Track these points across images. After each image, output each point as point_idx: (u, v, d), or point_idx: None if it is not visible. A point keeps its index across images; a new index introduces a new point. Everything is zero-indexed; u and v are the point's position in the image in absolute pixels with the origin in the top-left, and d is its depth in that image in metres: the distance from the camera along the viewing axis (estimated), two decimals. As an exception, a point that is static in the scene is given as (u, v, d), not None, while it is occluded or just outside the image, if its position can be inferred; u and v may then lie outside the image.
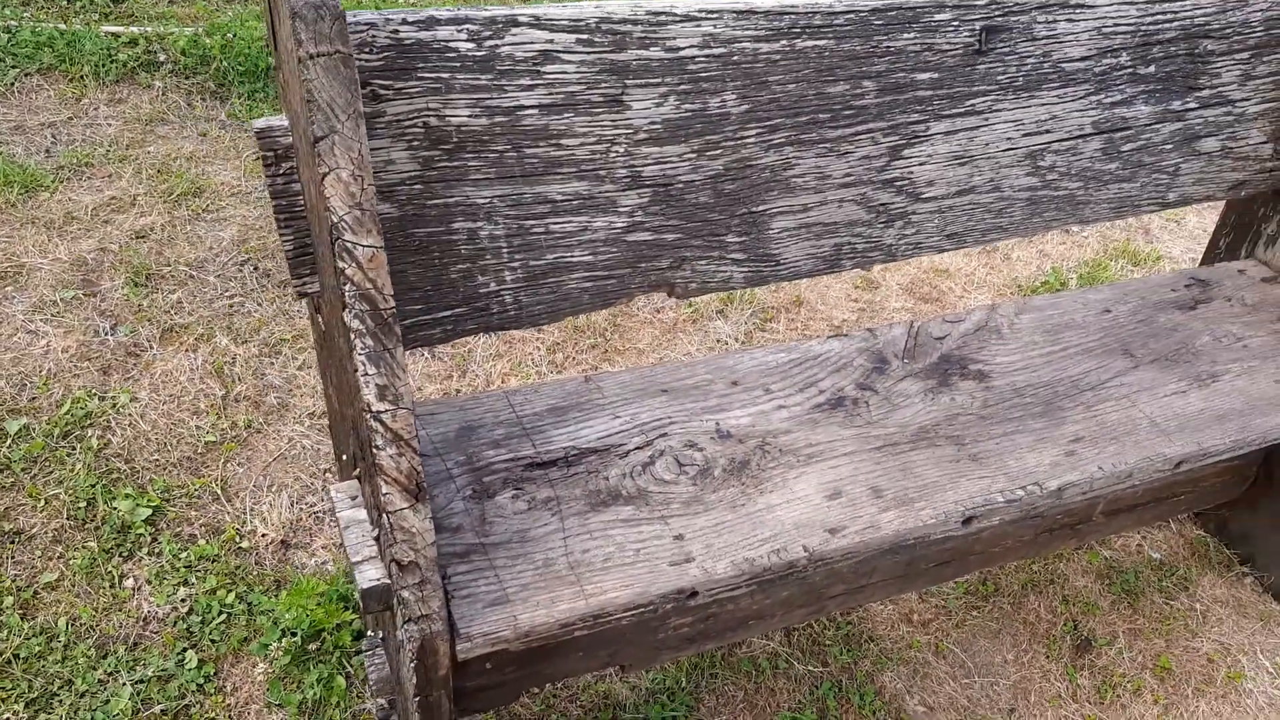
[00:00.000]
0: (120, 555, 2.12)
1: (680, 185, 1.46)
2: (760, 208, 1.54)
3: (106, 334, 2.62)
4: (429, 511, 1.17)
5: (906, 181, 1.62)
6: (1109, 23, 1.63)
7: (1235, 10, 1.72)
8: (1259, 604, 2.19)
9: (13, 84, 3.61)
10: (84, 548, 2.13)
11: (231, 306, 2.75)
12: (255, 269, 2.89)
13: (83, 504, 2.20)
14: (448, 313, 1.41)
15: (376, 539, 1.28)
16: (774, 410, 1.62)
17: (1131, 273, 3.35)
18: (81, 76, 3.67)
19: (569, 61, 1.31)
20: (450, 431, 1.51)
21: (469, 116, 1.28)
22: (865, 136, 1.55)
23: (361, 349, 1.09)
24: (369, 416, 1.11)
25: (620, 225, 1.45)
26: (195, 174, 3.27)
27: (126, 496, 2.22)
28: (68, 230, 2.97)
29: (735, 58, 1.40)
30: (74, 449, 2.32)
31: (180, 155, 3.36)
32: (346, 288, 1.07)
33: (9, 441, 2.32)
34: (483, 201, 1.35)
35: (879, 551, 1.56)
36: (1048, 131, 1.69)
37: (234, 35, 3.77)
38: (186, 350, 2.59)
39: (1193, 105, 1.78)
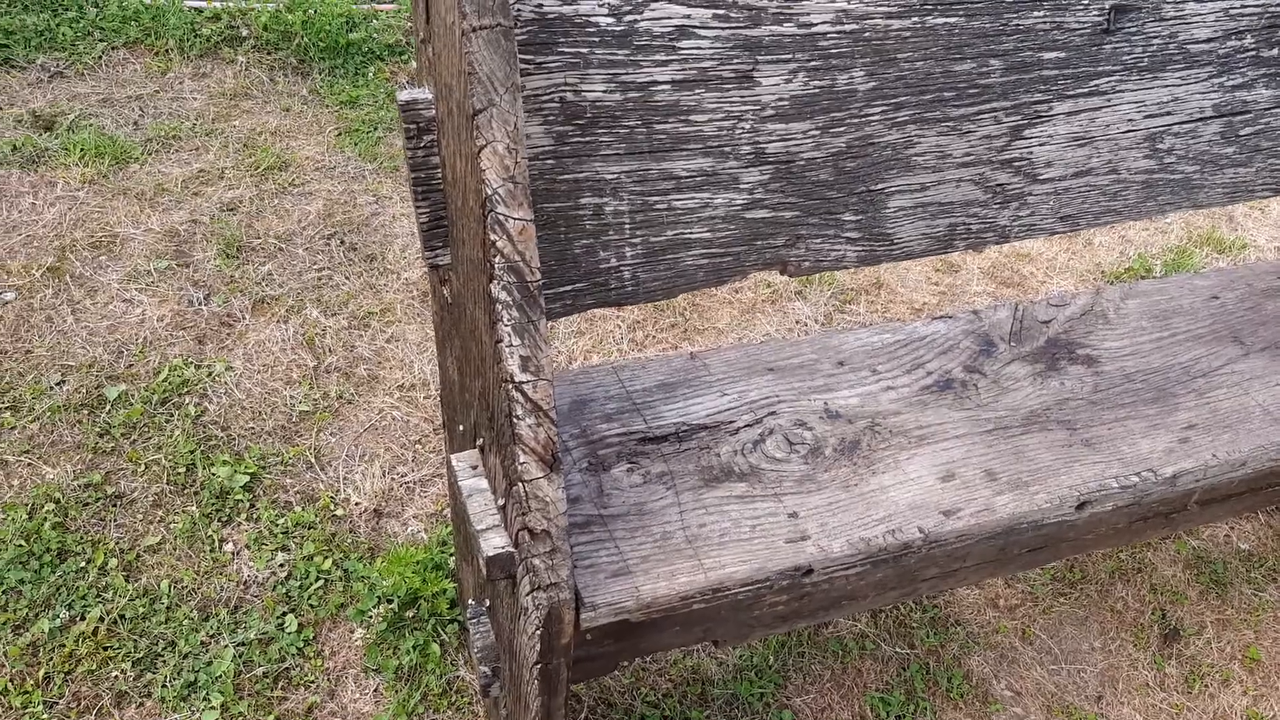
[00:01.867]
0: (219, 520, 2.17)
1: (802, 162, 1.46)
2: (879, 186, 1.53)
3: (200, 304, 2.67)
4: (562, 481, 1.19)
5: (1025, 162, 1.61)
6: (1236, 4, 1.59)
7: (1366, -9, 1.67)
8: (1357, 599, 2.16)
9: (100, 57, 3.68)
10: (184, 512, 2.18)
11: (320, 279, 2.79)
12: (342, 243, 2.93)
13: (182, 469, 2.26)
14: (569, 287, 1.42)
15: (501, 508, 1.30)
16: (882, 391, 1.62)
17: (1216, 260, 3.29)
18: (167, 51, 3.73)
19: (704, 37, 1.31)
20: (564, 405, 1.52)
21: (604, 92, 1.29)
22: (988, 115, 1.53)
23: (508, 320, 1.10)
24: (510, 387, 1.13)
25: (740, 202, 1.46)
26: (280, 148, 3.32)
27: (224, 463, 2.27)
28: (159, 202, 3.03)
29: (866, 34, 1.39)
30: (172, 416, 2.38)
31: (265, 130, 3.41)
32: (496, 260, 1.09)
33: (109, 407, 2.38)
34: (610, 177, 1.36)
35: (991, 535, 1.55)
36: (1168, 114, 1.66)
37: (315, 11, 3.81)
38: (278, 321, 2.63)
39: (1316, 89, 1.74)
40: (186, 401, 2.41)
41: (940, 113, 1.50)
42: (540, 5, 1.21)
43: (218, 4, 3.89)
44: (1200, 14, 1.58)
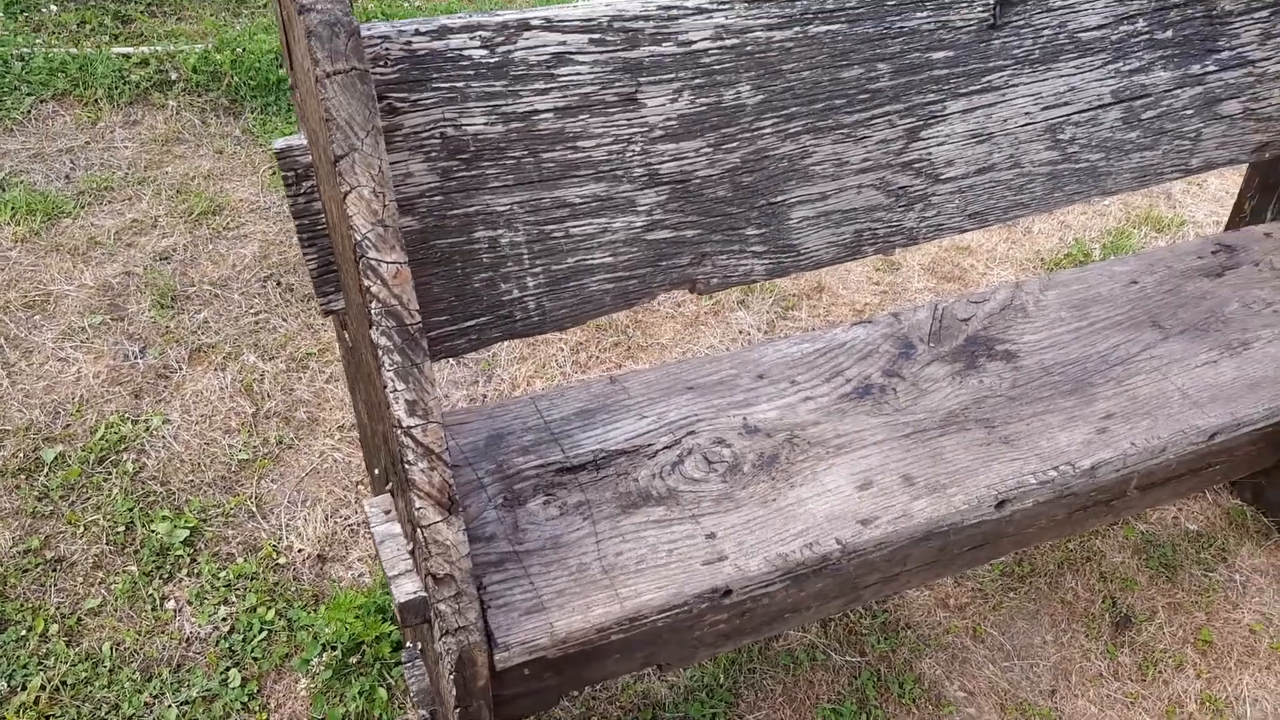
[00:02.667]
0: (160, 578, 2.14)
1: (698, 180, 1.45)
2: (779, 198, 1.53)
3: (136, 357, 2.64)
4: (462, 524, 1.17)
5: (925, 163, 1.61)
6: (1124, -10, 1.60)
7: (1253, -31, 1.69)
8: (1304, 570, 2.17)
9: (29, 111, 3.64)
10: (124, 572, 2.15)
11: (257, 323, 2.76)
12: (278, 284, 2.91)
13: (121, 528, 2.22)
14: (472, 322, 1.41)
15: (411, 552, 1.28)
16: (801, 402, 1.61)
17: (1155, 240, 3.31)
18: (96, 100, 3.69)
19: (582, 63, 1.30)
20: (480, 440, 1.51)
21: (485, 124, 1.28)
22: (882, 120, 1.53)
23: (389, 365, 1.09)
24: (399, 432, 1.11)
25: (640, 224, 1.45)
26: (214, 192, 3.29)
27: (164, 519, 2.24)
28: (91, 255, 2.99)
29: (748, 48, 1.39)
30: (110, 474, 2.35)
31: (198, 174, 3.38)
32: (372, 305, 1.07)
33: (46, 470, 2.34)
34: (502, 209, 1.35)
35: (912, 540, 1.55)
36: (1066, 104, 1.67)
37: (244, 50, 3.79)
38: (215, 369, 2.60)
39: (1212, 68, 1.75)
40: (124, 459, 2.38)
41: (833, 120, 1.50)
42: (409, 43, 1.20)
43: (145, 49, 3.86)
44: (1089, 1, 1.59)
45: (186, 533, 2.21)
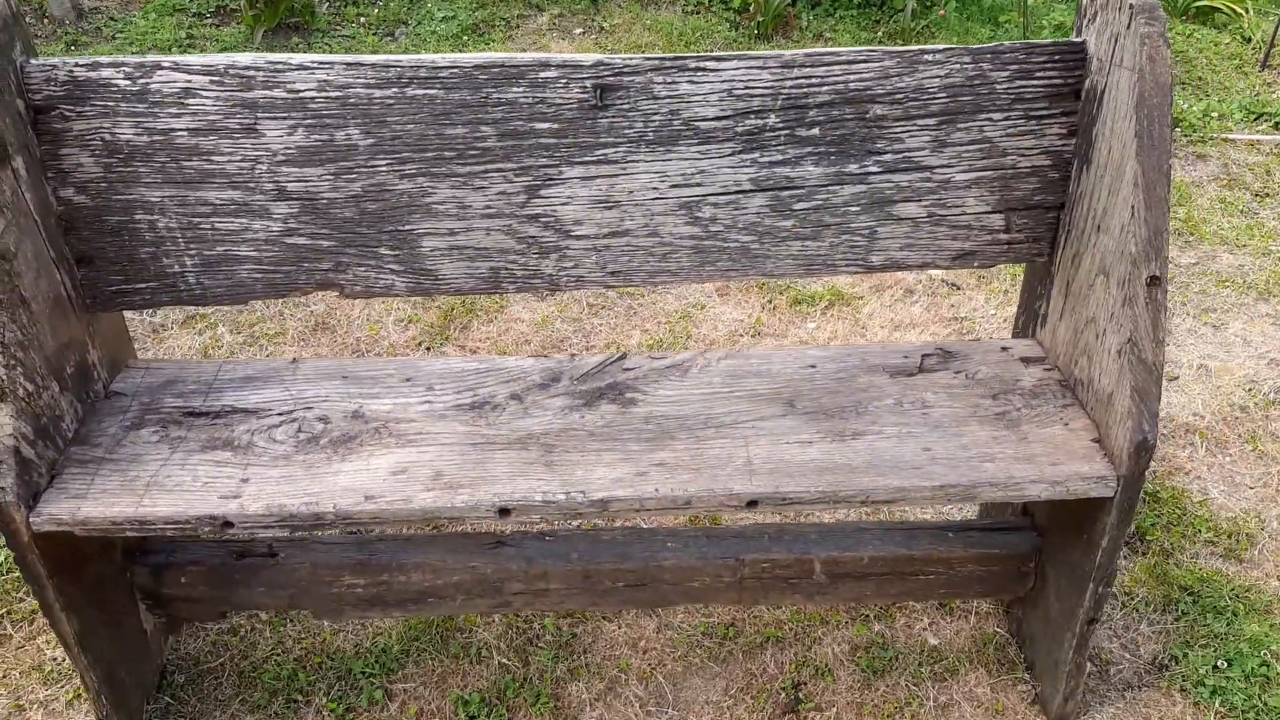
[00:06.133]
0: None
1: (325, 200, 1.81)
2: (407, 227, 1.84)
3: None
4: (12, 410, 1.60)
5: (552, 219, 1.84)
6: (739, 85, 1.76)
7: (902, 76, 1.76)
8: (1020, 711, 2.03)
9: None
10: None
11: None
12: None
13: None
14: (143, 285, 1.86)
15: None
16: (418, 403, 1.89)
17: (957, 335, 3.11)
18: None
19: (206, 97, 1.72)
20: (156, 382, 1.93)
21: (134, 134, 1.73)
22: (497, 174, 1.80)
23: (-43, 279, 1.55)
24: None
25: (277, 229, 1.83)
26: None
27: None
28: None
29: (351, 100, 1.74)
30: None
31: None
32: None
33: None
34: (155, 200, 1.79)
35: (402, 519, 1.75)
36: (699, 185, 1.83)
37: None
38: None
39: (875, 169, 1.83)
40: None
41: (447, 169, 1.79)
42: (72, 71, 1.69)
43: None
44: (698, 94, 1.76)
45: None
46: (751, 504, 1.69)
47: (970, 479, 1.69)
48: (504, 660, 2.13)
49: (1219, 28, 5.13)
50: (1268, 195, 3.77)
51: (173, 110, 1.72)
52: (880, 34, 5.08)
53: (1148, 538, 2.40)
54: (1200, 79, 4.65)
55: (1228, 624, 2.19)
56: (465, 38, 4.94)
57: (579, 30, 5.10)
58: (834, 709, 2.05)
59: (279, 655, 2.18)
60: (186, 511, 1.65)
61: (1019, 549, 2.03)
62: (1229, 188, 3.81)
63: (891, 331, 3.13)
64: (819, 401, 1.87)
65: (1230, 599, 2.25)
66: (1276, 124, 4.20)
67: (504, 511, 1.68)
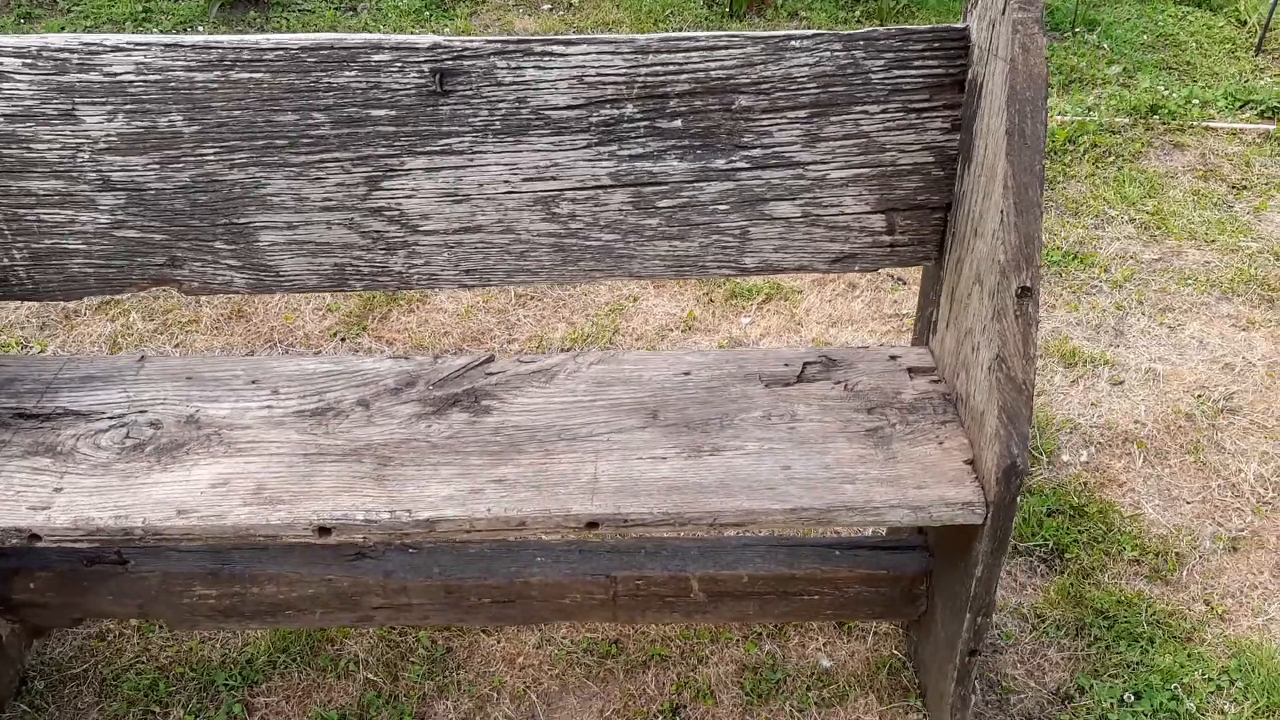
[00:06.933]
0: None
1: (152, 192, 1.70)
2: (242, 221, 1.72)
3: None
4: None
5: (397, 212, 1.72)
6: (590, 72, 1.63)
7: (768, 65, 1.62)
8: (918, 745, 1.91)
9: None
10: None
11: None
12: None
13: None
14: (-28, 278, 1.75)
15: None
16: (259, 408, 1.78)
17: (896, 333, 2.96)
18: None
19: (20, 81, 1.61)
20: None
21: (-55, 118, 1.63)
22: (334, 165, 1.68)
23: None
24: None
25: (105, 221, 1.72)
26: None
27: None
28: None
29: (172, 84, 1.62)
30: None
31: None
32: None
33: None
34: (-27, 189, 1.68)
35: (215, 537, 1.65)
36: (554, 179, 1.70)
37: None
38: None
39: (743, 165, 1.69)
40: None
41: (279, 158, 1.67)
42: (-125, 50, 1.58)
43: None
44: (546, 80, 1.63)
45: None
46: (591, 525, 1.57)
47: (826, 502, 1.57)
48: (370, 676, 2.03)
49: (1215, 10, 4.90)
50: (1245, 188, 3.58)
51: (-16, 94, 1.61)
52: (858, 12, 4.90)
53: (1066, 555, 2.26)
54: (1189, 64, 4.45)
55: (1141, 652, 2.05)
56: (428, 13, 4.80)
57: (546, 6, 4.95)
58: (711, 734, 1.93)
59: (142, 663, 2.09)
60: (-11, 521, 1.56)
61: (909, 570, 1.90)
62: (1205, 179, 3.63)
63: (828, 328, 2.98)
64: (684, 413, 1.74)
65: (1148, 624, 2.11)
66: (1262, 112, 4.00)
67: (323, 530, 1.57)
